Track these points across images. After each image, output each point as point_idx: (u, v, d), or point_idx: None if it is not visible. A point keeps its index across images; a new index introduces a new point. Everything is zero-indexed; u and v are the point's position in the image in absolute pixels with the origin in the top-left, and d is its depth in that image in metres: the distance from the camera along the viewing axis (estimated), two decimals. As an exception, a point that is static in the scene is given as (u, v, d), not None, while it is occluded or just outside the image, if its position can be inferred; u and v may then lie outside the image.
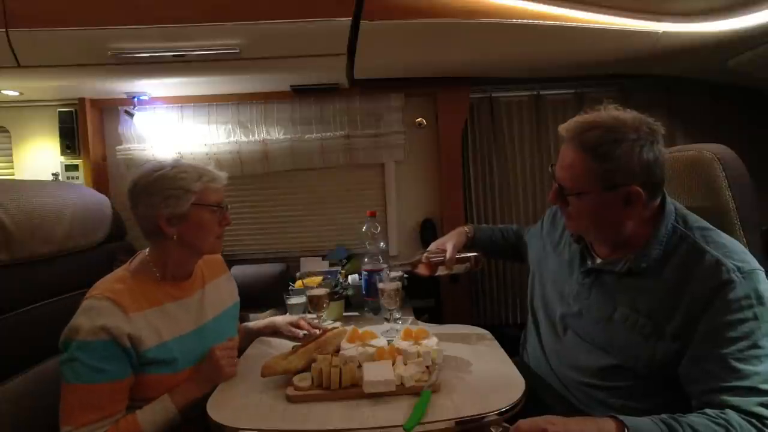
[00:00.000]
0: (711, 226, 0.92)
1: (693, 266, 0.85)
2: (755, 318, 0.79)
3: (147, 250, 1.10)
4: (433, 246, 1.40)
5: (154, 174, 1.04)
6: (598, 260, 1.02)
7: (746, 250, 0.87)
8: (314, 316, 1.40)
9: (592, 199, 0.91)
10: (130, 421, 0.94)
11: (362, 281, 1.59)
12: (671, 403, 0.84)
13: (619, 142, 0.87)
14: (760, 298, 0.80)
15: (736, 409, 0.75)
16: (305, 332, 1.30)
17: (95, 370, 0.92)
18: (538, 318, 1.15)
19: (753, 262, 0.84)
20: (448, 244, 1.35)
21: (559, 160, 0.96)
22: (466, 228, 1.45)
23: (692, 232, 0.90)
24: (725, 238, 0.89)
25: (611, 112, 0.92)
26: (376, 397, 0.91)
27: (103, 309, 0.95)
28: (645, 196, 0.88)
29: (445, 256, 1.32)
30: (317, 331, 1.27)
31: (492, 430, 0.81)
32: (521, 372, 0.99)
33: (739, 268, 0.82)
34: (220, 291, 1.23)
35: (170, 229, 1.04)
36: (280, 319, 1.37)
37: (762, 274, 0.83)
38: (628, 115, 0.91)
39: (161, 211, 1.02)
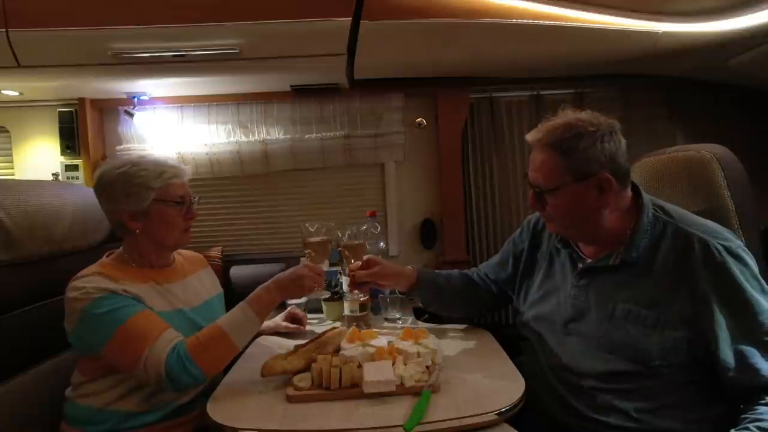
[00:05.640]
0: (686, 211, 0.97)
1: (683, 250, 0.90)
2: (760, 286, 0.86)
3: (121, 248, 1.13)
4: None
5: (115, 172, 1.06)
6: (588, 261, 1.02)
7: (723, 228, 0.93)
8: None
9: (567, 193, 0.94)
10: (210, 327, 1.00)
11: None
12: (684, 401, 0.87)
13: (580, 135, 0.93)
14: (752, 271, 0.87)
15: None
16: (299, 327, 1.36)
17: (127, 307, 0.96)
18: (539, 331, 1.12)
19: (735, 239, 0.91)
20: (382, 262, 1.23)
21: (530, 166, 1.01)
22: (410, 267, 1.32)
23: (672, 218, 0.95)
24: (701, 219, 0.95)
25: (568, 114, 0.98)
26: (376, 397, 0.91)
27: (92, 279, 0.99)
28: (615, 183, 0.93)
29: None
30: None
31: None
32: (522, 373, 0.99)
33: (727, 248, 0.87)
34: (203, 282, 1.25)
35: (134, 224, 1.06)
36: (277, 319, 1.38)
37: (743, 247, 0.90)
38: (584, 114, 0.97)
39: (123, 207, 1.05)
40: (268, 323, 1.38)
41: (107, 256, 1.11)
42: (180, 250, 1.26)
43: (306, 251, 1.25)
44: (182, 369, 0.92)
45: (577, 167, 0.93)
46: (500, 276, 1.26)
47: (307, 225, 1.25)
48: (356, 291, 1.26)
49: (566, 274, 1.06)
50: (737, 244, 0.89)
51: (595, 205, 0.94)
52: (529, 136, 1.00)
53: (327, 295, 1.19)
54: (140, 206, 1.05)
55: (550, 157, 0.95)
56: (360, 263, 1.23)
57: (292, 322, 1.37)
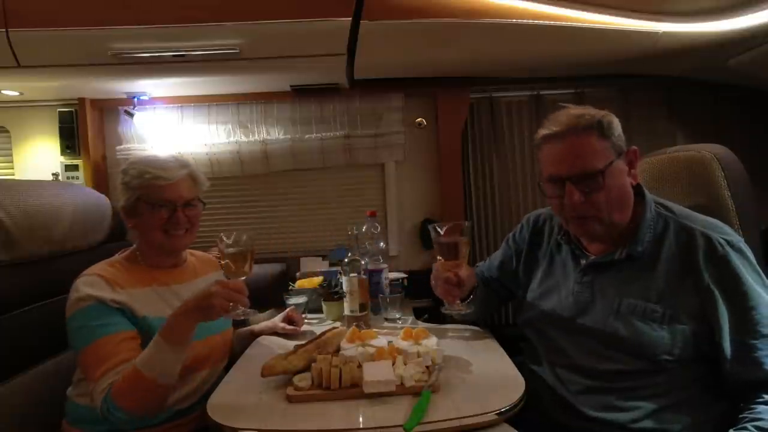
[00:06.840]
0: (686, 208, 0.99)
1: (687, 245, 0.91)
2: (761, 280, 0.88)
3: (135, 245, 1.17)
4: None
5: (121, 168, 1.15)
6: (591, 257, 1.02)
7: (723, 224, 0.95)
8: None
9: (616, 171, 0.93)
10: (129, 367, 0.94)
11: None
12: (687, 401, 0.87)
13: (608, 115, 0.95)
14: (753, 265, 0.89)
15: None
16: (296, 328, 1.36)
17: (98, 327, 0.98)
18: (541, 329, 1.12)
19: (735, 234, 0.93)
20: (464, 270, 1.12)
21: (564, 158, 0.94)
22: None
23: (674, 214, 0.96)
24: (702, 215, 0.96)
25: (573, 106, 0.99)
26: (376, 397, 0.91)
27: (91, 282, 1.02)
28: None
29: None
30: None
31: None
32: (522, 373, 0.99)
33: (729, 242, 0.88)
34: None
35: (127, 220, 1.13)
36: (276, 319, 1.38)
37: (744, 242, 0.91)
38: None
39: (119, 203, 1.12)
40: (266, 323, 1.38)
41: (120, 254, 1.14)
42: (193, 251, 1.29)
43: (221, 262, 1.06)
44: (109, 413, 0.92)
45: (615, 144, 0.94)
46: (505, 274, 1.25)
47: (223, 236, 1.03)
48: (458, 302, 1.14)
49: (568, 272, 1.06)
50: (738, 238, 0.91)
51: (628, 181, 0.96)
52: (555, 127, 0.94)
53: (252, 314, 1.00)
54: (126, 203, 1.10)
55: (591, 138, 0.92)
56: (458, 263, 1.10)
57: (289, 323, 1.37)
